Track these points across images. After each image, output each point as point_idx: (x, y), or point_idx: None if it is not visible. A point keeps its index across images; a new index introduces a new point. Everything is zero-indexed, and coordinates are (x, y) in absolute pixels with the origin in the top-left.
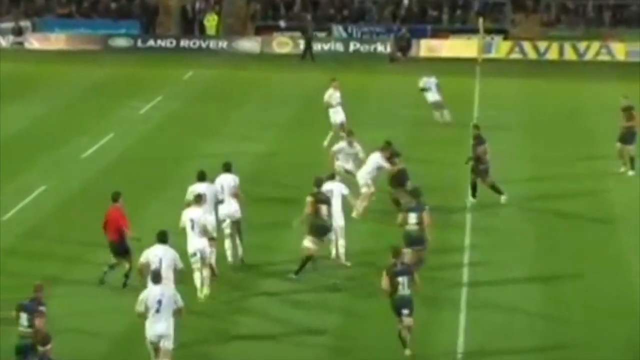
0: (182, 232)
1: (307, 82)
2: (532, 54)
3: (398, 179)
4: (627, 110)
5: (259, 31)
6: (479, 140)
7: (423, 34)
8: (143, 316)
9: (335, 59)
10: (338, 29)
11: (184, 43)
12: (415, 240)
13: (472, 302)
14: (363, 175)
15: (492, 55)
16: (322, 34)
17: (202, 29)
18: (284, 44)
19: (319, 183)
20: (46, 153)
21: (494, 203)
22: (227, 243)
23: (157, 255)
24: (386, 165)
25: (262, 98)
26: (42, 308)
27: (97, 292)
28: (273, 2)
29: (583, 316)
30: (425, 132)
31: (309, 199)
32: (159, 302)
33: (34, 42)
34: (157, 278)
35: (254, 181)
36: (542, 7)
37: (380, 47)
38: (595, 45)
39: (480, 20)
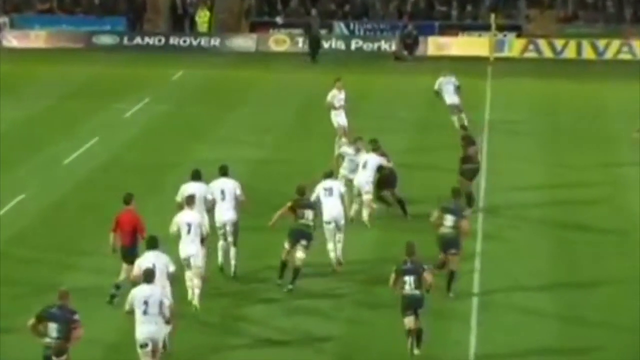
0: (171, 238)
1: (307, 82)
2: (547, 53)
3: (389, 181)
4: None
5: (254, 28)
6: (468, 140)
7: (430, 31)
8: (131, 314)
9: (336, 58)
10: (339, 26)
11: (173, 41)
12: (449, 244)
13: (483, 315)
14: (367, 181)
15: (505, 53)
16: (322, 31)
17: (193, 25)
18: (281, 41)
19: (301, 191)
20: (25, 159)
21: (507, 209)
22: (220, 245)
23: (149, 262)
24: (388, 164)
25: (257, 100)
26: (76, 317)
27: (88, 298)
28: None
29: (599, 331)
30: (432, 137)
31: (288, 204)
32: (145, 302)
33: (12, 40)
34: (150, 277)
35: (249, 190)
36: (558, 2)
37: (384, 45)
38: (616, 43)
39: (492, 16)
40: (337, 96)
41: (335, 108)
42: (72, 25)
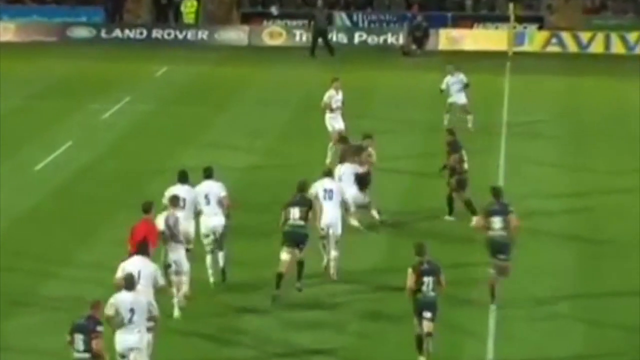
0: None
1: (304, 80)
2: (572, 47)
3: (364, 181)
4: None
5: (246, 19)
6: (453, 146)
7: (442, 23)
8: (112, 321)
9: (337, 53)
10: (341, 17)
11: (156, 33)
12: (501, 248)
13: (501, 329)
14: (356, 196)
15: (525, 48)
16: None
17: (179, 16)
18: (276, 34)
19: (299, 186)
20: None
21: (527, 219)
22: (209, 260)
23: (135, 268)
24: (362, 169)
25: (250, 100)
26: (99, 328)
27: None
28: None
29: (624, 348)
30: (443, 140)
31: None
32: (132, 310)
33: None
34: (130, 284)
35: (240, 199)
36: None
37: (391, 39)
38: None
39: (511, 6)
40: (334, 97)
41: (331, 110)
42: (44, 17)
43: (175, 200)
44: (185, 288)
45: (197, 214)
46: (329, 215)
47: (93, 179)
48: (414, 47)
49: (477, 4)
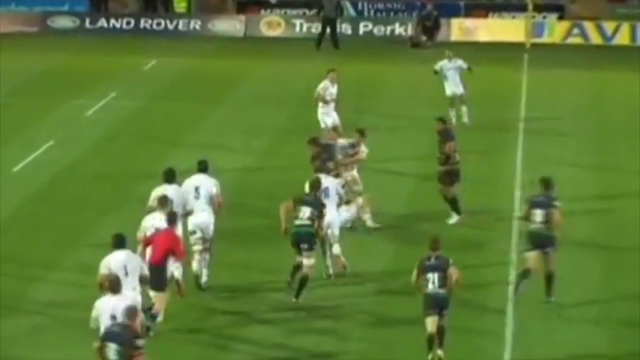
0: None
1: (305, 74)
2: (595, 38)
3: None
4: None
5: (242, 8)
6: (445, 135)
7: (455, 12)
8: (98, 332)
9: (341, 44)
10: (345, 6)
11: (145, 23)
12: (541, 241)
13: (520, 337)
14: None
15: (544, 39)
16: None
17: (169, 5)
18: (274, 24)
19: (312, 185)
20: None
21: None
22: (196, 263)
23: (119, 261)
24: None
25: (246, 95)
26: (140, 342)
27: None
28: None
29: None
30: (461, 137)
31: (290, 200)
32: (113, 317)
33: None
34: (116, 287)
35: (235, 203)
36: None
37: (399, 29)
38: None
39: None
40: (328, 89)
41: (325, 102)
42: (23, 5)
43: (164, 201)
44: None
45: (186, 214)
46: (328, 215)
47: (76, 180)
48: (423, 38)
49: None
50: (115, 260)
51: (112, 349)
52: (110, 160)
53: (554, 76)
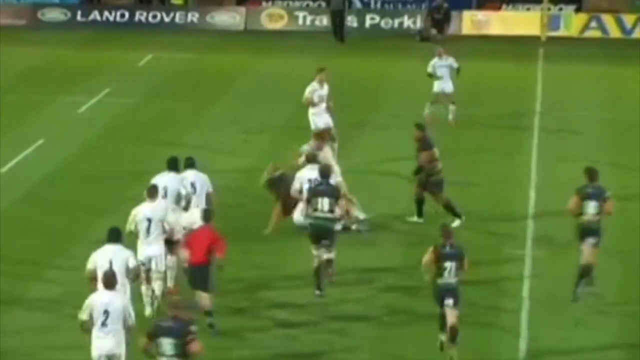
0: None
1: (308, 70)
2: (614, 32)
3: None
4: None
5: (242, 0)
6: (423, 143)
7: (466, 4)
8: (85, 326)
9: (347, 37)
10: None
11: (140, 16)
12: (594, 233)
13: (536, 342)
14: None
15: (561, 32)
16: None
17: None
18: (276, 17)
19: (322, 173)
20: None
21: (564, 227)
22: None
23: (106, 256)
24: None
25: (246, 92)
26: (193, 328)
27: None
28: None
29: None
30: (468, 137)
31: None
32: (106, 312)
33: None
34: (110, 281)
35: (233, 207)
36: None
37: (407, 22)
38: None
39: None
40: (317, 91)
41: (314, 105)
42: None
43: (153, 191)
44: (159, 286)
45: (186, 205)
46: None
47: (67, 181)
48: (433, 31)
49: None
50: (101, 255)
51: (166, 343)
52: (103, 160)
53: (570, 71)
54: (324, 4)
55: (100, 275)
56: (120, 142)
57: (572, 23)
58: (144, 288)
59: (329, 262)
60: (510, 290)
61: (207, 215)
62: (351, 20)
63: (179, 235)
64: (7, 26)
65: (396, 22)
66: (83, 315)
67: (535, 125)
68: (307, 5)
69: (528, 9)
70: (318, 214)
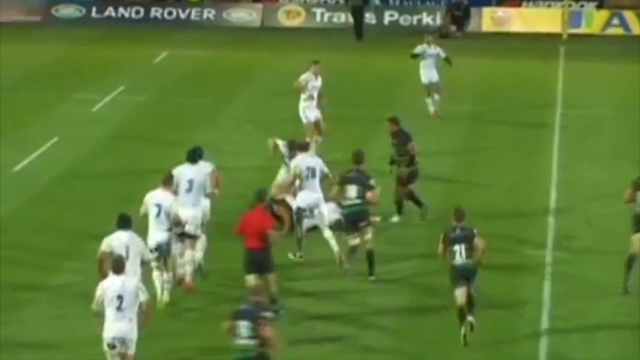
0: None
1: (326, 67)
2: (636, 28)
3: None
4: None
5: None
6: (401, 136)
7: (486, 1)
8: (99, 316)
9: (364, 35)
10: None
11: (155, 13)
12: None
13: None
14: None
15: (582, 29)
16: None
17: None
18: (293, 13)
19: (355, 158)
20: None
21: (586, 230)
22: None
23: (122, 242)
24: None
25: (262, 90)
26: (266, 314)
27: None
28: None
29: None
30: (488, 135)
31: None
32: (120, 297)
33: None
34: (119, 266)
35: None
36: None
37: (426, 19)
38: None
39: None
40: (311, 81)
41: (309, 97)
42: None
43: (168, 180)
44: (168, 275)
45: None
46: (309, 195)
47: (81, 181)
48: (453, 28)
49: None
50: (117, 241)
51: (242, 326)
52: (117, 158)
53: (592, 69)
54: (342, 1)
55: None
56: (135, 140)
57: (594, 20)
58: (155, 274)
59: (371, 242)
60: (531, 291)
61: (261, 194)
62: (370, 17)
63: (198, 230)
64: (21, 23)
65: (415, 18)
66: (95, 306)
67: (556, 123)
68: (325, 1)
69: (549, 6)
70: (347, 202)
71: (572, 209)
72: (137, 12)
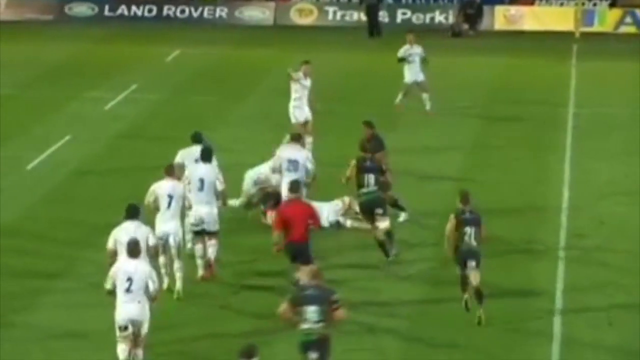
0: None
1: (338, 66)
2: None
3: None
4: None
5: None
6: (374, 143)
7: None
8: (112, 295)
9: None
10: None
11: (168, 11)
12: None
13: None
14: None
15: (595, 28)
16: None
17: None
18: (306, 12)
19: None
20: None
21: (599, 231)
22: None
23: (127, 234)
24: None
25: (275, 88)
26: (336, 296)
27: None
28: None
29: None
30: (500, 134)
31: (352, 162)
32: (129, 280)
33: None
34: (136, 250)
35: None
36: None
37: (439, 17)
38: None
39: None
40: (302, 80)
41: (295, 83)
42: None
43: (170, 169)
44: (179, 263)
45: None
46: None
47: (94, 179)
48: (465, 26)
49: None
50: (124, 232)
51: (312, 311)
52: (130, 156)
53: (604, 68)
54: None
55: (122, 248)
56: (147, 138)
57: (607, 18)
58: (161, 260)
59: (387, 234)
60: (543, 289)
61: (294, 186)
62: (382, 15)
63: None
64: (34, 21)
65: (427, 17)
66: (108, 285)
67: (569, 122)
68: (337, 0)
69: (561, 4)
70: (364, 189)
71: (584, 207)
72: (150, 11)
